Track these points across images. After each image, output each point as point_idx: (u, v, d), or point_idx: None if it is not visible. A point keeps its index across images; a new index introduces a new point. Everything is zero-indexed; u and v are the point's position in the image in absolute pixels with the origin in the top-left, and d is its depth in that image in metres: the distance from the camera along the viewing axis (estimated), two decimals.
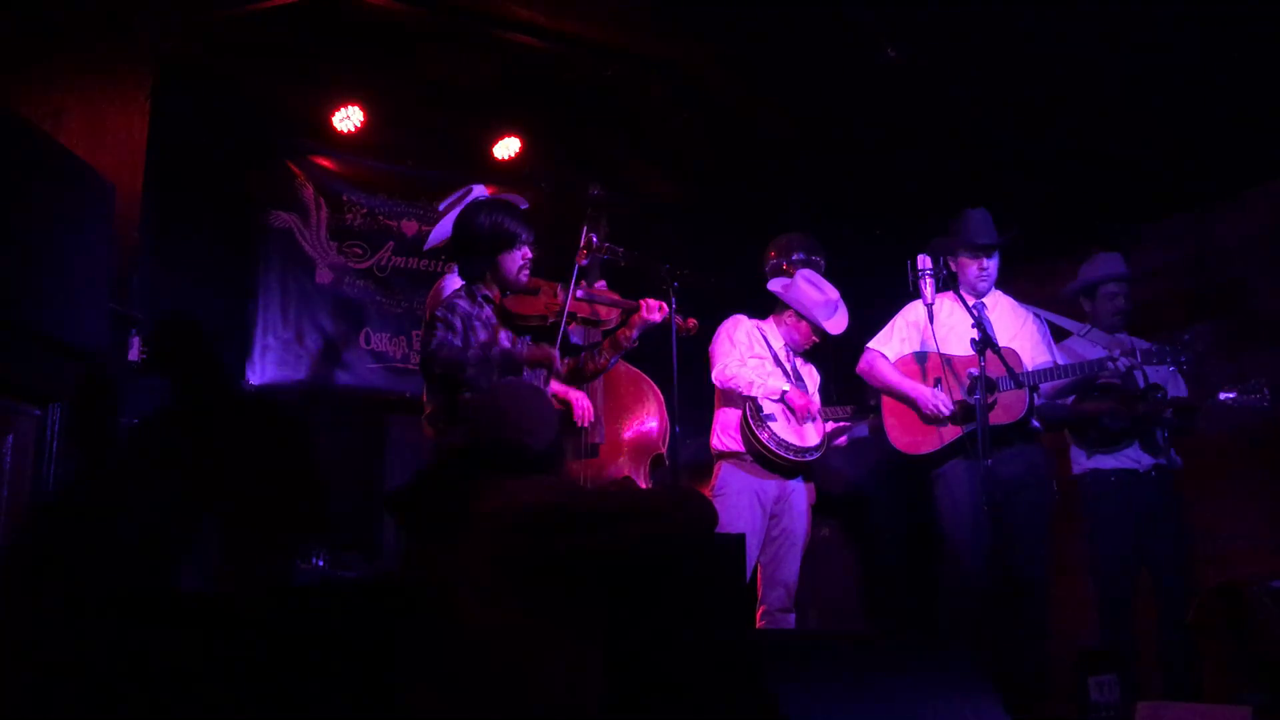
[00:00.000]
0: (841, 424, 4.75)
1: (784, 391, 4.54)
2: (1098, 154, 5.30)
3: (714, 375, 4.64)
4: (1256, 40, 4.40)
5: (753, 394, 4.52)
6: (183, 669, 3.37)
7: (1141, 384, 4.47)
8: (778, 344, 4.76)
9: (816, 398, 4.73)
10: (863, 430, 4.95)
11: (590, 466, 4.43)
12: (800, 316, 4.70)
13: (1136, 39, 4.51)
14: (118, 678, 3.46)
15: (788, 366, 4.72)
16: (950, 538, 4.25)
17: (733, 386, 4.57)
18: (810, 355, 4.89)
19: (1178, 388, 4.61)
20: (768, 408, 4.54)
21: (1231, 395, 4.32)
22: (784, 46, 4.86)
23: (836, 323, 4.71)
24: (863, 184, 5.80)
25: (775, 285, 4.84)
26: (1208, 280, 5.32)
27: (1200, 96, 4.79)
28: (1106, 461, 4.51)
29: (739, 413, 4.60)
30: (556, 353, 3.59)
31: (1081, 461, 4.59)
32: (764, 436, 4.49)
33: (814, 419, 4.61)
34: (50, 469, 3.56)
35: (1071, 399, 4.55)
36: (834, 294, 4.73)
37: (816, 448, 4.60)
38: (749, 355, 4.66)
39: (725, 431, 4.65)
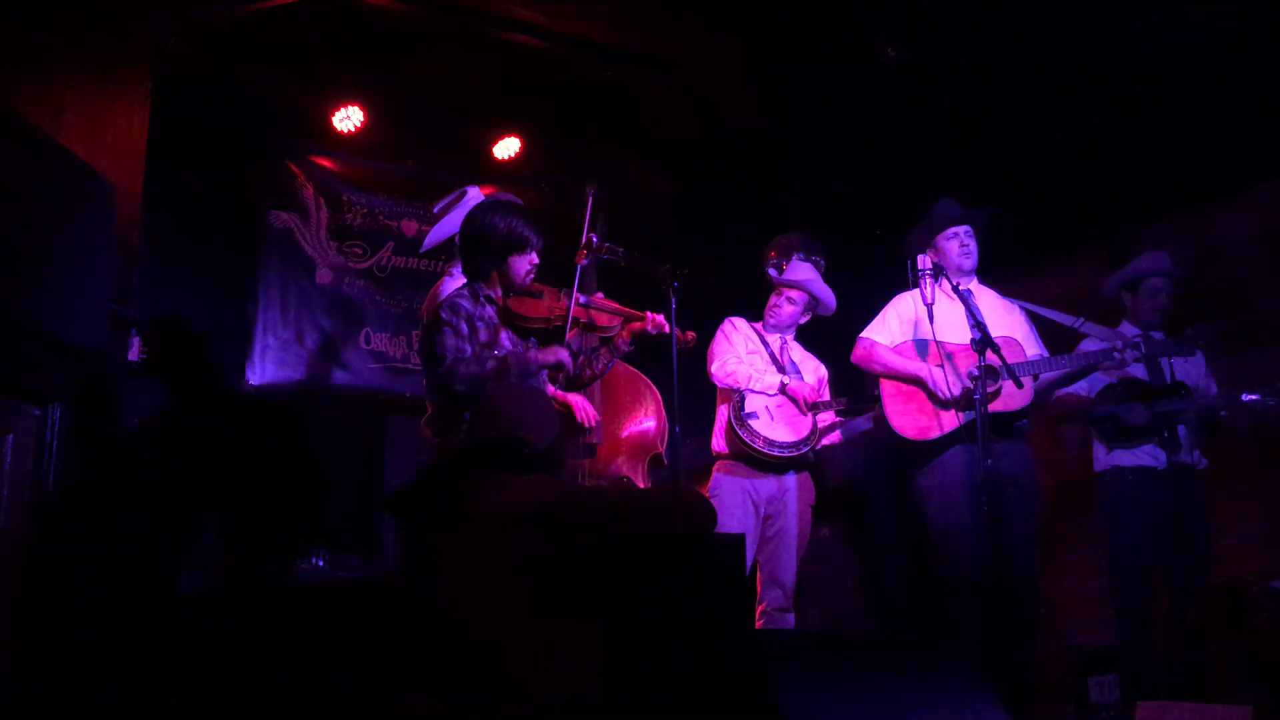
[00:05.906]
0: (836, 419, 4.78)
1: (783, 383, 4.59)
2: (1098, 154, 5.30)
3: (712, 371, 4.70)
4: (1256, 40, 4.40)
5: (750, 388, 4.60)
6: (182, 669, 3.37)
7: (1166, 380, 4.46)
8: (776, 344, 4.82)
9: (824, 390, 4.77)
10: (864, 424, 4.94)
11: (588, 466, 4.43)
12: (792, 291, 4.81)
13: (1136, 39, 4.51)
14: (118, 676, 3.46)
15: (784, 363, 4.78)
16: (942, 525, 4.23)
17: (731, 383, 4.63)
18: (811, 347, 4.94)
19: (1209, 388, 4.59)
20: (750, 406, 4.59)
21: (1255, 397, 4.32)
22: (784, 46, 4.86)
23: (830, 298, 4.86)
24: (861, 183, 5.80)
25: (772, 271, 5.02)
26: (1208, 280, 5.32)
27: (1201, 96, 4.79)
28: (1126, 459, 4.49)
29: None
30: (567, 354, 3.59)
31: (1102, 458, 4.58)
32: (745, 435, 4.53)
33: (807, 412, 4.62)
34: (50, 469, 3.56)
35: (1095, 394, 4.55)
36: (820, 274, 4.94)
37: (804, 441, 4.60)
38: (746, 352, 4.74)
39: (720, 433, 4.70)
